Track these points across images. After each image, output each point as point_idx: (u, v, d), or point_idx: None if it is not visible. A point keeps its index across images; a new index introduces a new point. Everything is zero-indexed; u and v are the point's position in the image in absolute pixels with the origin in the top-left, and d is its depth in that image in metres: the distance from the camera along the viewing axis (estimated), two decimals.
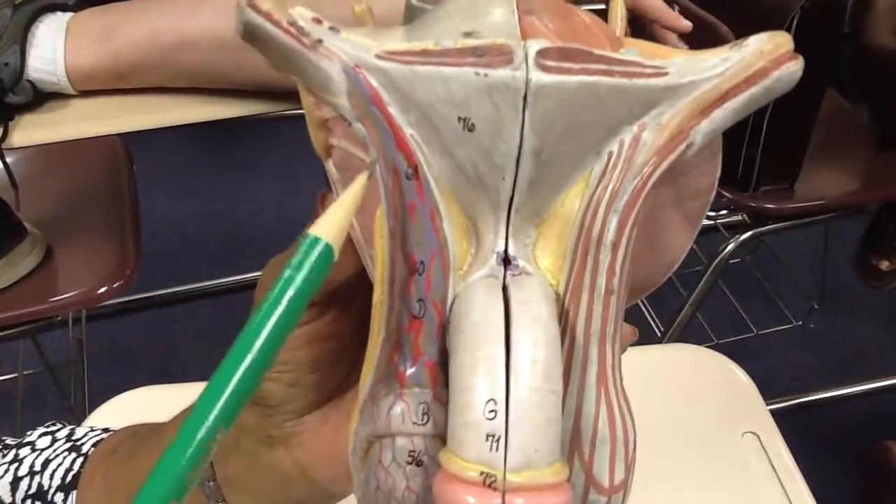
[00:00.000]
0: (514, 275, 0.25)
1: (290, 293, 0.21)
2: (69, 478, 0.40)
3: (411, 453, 0.26)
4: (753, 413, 0.72)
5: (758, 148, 1.18)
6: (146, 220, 1.17)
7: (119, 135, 1.07)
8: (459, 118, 0.23)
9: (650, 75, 0.24)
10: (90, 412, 0.70)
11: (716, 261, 1.32)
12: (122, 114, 0.87)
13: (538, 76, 0.23)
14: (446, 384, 0.25)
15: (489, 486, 0.22)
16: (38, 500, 0.41)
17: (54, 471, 0.41)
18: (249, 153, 2.17)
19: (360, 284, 0.28)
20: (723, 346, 1.62)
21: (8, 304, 1.00)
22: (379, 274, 0.26)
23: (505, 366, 0.23)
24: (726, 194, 1.25)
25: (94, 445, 0.42)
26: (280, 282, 0.21)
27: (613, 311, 0.25)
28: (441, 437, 0.25)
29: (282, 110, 0.90)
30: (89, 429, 0.44)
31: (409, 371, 0.25)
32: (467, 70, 0.23)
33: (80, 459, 0.41)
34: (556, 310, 0.25)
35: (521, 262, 0.26)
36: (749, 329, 1.70)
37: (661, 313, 1.72)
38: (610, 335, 0.25)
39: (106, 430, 0.43)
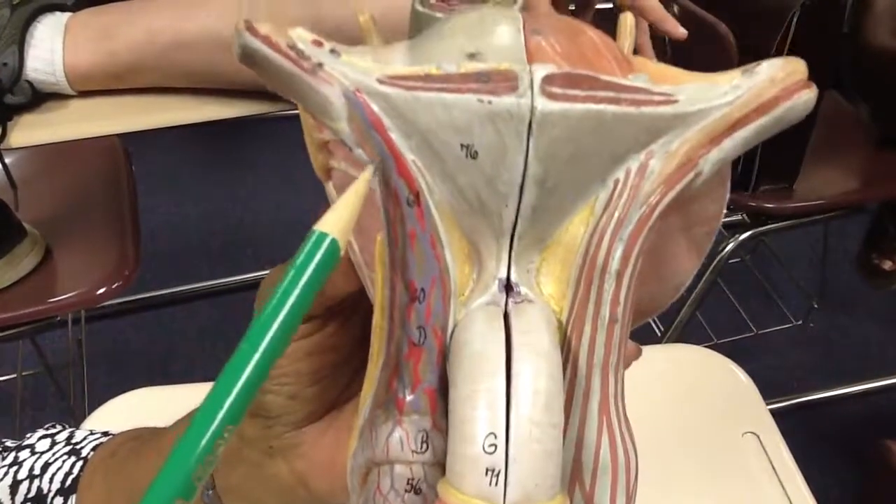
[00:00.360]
0: (515, 302, 0.25)
1: (298, 286, 0.21)
2: (69, 482, 0.40)
3: (409, 481, 0.25)
4: (753, 413, 0.71)
5: (757, 147, 1.18)
6: (145, 220, 1.17)
7: (118, 135, 1.07)
8: (462, 145, 0.23)
9: (658, 103, 0.23)
10: (90, 413, 0.70)
11: (715, 260, 1.32)
12: (120, 114, 0.87)
13: (544, 104, 0.23)
14: (446, 412, 0.24)
15: None
16: (38, 503, 0.41)
17: (54, 474, 0.41)
18: (249, 153, 2.16)
19: (360, 299, 0.28)
20: (722, 346, 1.62)
21: (7, 304, 1.00)
22: (379, 301, 0.25)
23: (505, 398, 0.23)
24: None
25: (93, 449, 0.42)
26: (288, 275, 0.21)
27: (617, 341, 0.25)
28: (440, 465, 0.25)
29: (281, 110, 0.90)
30: (89, 432, 0.44)
31: (409, 398, 0.25)
32: (470, 97, 0.23)
33: (80, 463, 0.41)
34: (557, 339, 0.24)
35: (523, 289, 0.25)
36: (749, 329, 1.70)
37: (660, 313, 1.72)
38: (613, 364, 0.25)
39: (105, 434, 0.43)
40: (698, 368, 0.76)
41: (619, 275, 0.24)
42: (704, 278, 1.35)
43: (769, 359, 1.72)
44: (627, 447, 0.26)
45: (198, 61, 0.84)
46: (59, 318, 1.09)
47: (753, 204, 1.24)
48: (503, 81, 0.23)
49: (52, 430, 0.44)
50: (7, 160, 0.88)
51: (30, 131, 0.84)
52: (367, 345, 0.26)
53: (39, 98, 0.85)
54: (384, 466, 0.26)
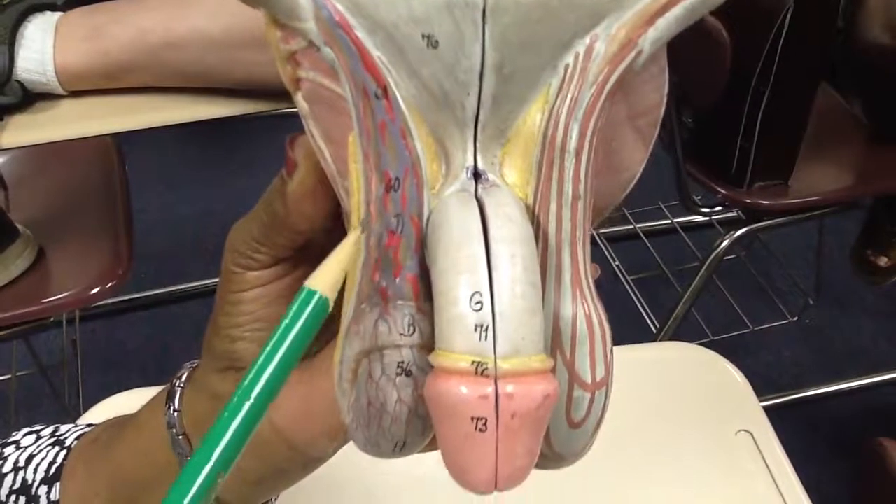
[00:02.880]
0: (484, 187, 0.27)
1: (288, 339, 0.23)
2: (52, 470, 0.40)
3: (400, 364, 0.26)
4: (747, 411, 0.71)
5: (752, 144, 1.18)
6: (139, 219, 1.17)
7: (111, 135, 1.07)
8: (423, 35, 0.25)
9: None
10: (84, 413, 0.70)
11: (711, 257, 1.32)
12: (112, 114, 0.87)
13: None
14: (428, 297, 0.26)
15: (481, 373, 0.23)
16: (23, 494, 0.40)
17: (38, 465, 0.41)
18: (242, 152, 2.16)
19: (334, 239, 0.28)
20: (718, 343, 1.62)
21: (0, 305, 1.00)
22: (355, 199, 0.26)
23: (486, 263, 0.24)
24: (721, 190, 1.25)
25: (76, 439, 0.42)
26: (280, 328, 0.23)
27: (581, 216, 0.27)
28: (428, 348, 0.26)
29: (274, 109, 0.89)
30: (73, 425, 0.44)
31: (392, 286, 0.26)
32: None
33: (64, 452, 0.41)
34: (527, 215, 0.26)
35: (490, 176, 0.27)
36: (745, 325, 1.71)
37: (656, 310, 1.72)
38: (580, 240, 0.27)
39: (90, 426, 0.43)
40: (691, 366, 0.76)
41: (578, 152, 0.26)
42: (700, 275, 1.35)
43: (765, 355, 1.73)
44: (602, 319, 0.28)
45: (189, 60, 0.84)
46: (53, 319, 1.08)
47: (748, 200, 1.24)
48: None
49: (38, 427, 0.44)
50: None
51: (21, 132, 0.84)
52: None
53: (30, 98, 0.84)
54: (374, 354, 0.27)
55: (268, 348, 0.23)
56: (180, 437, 0.34)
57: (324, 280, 0.24)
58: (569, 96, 0.26)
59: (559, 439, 0.28)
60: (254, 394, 0.23)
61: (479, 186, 0.27)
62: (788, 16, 1.06)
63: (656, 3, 0.25)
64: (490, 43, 0.25)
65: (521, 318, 0.24)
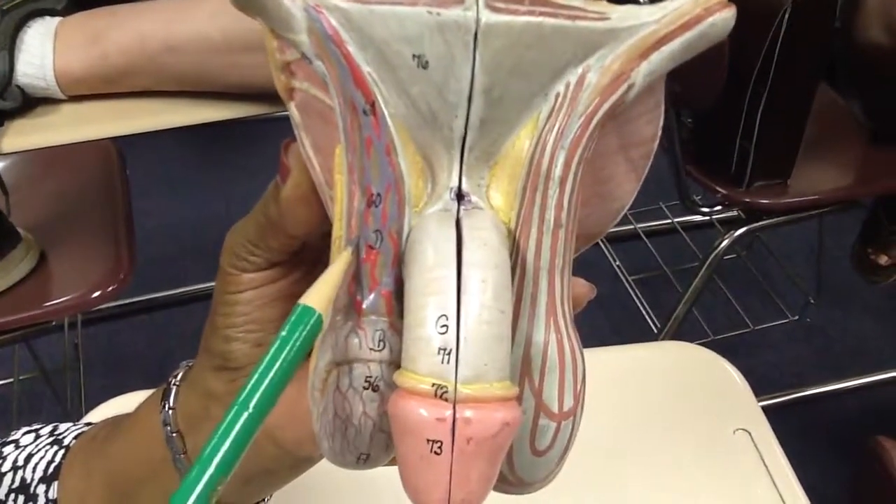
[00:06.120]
0: (466, 209, 0.27)
1: (283, 355, 0.24)
2: (51, 469, 0.41)
3: (367, 379, 0.27)
4: (745, 410, 0.72)
5: (751, 143, 1.18)
6: (140, 223, 1.17)
7: (111, 139, 1.07)
8: (414, 55, 0.25)
9: (592, 19, 0.25)
10: (86, 416, 0.70)
11: (711, 257, 1.32)
12: (112, 118, 0.87)
13: (487, 15, 0.25)
14: (401, 314, 0.26)
15: (440, 396, 0.24)
16: (21, 493, 0.41)
17: (37, 464, 0.41)
18: (242, 155, 2.16)
19: (326, 245, 0.29)
20: (719, 342, 1.63)
21: (2, 309, 1.00)
22: (338, 209, 0.27)
23: (456, 286, 0.24)
24: (720, 190, 1.25)
25: (75, 438, 0.42)
26: (274, 345, 0.24)
27: (562, 245, 0.27)
28: (397, 364, 0.26)
29: (273, 112, 0.90)
30: (72, 424, 0.44)
31: (366, 300, 0.27)
32: (421, 9, 0.24)
33: (62, 451, 0.41)
34: (507, 240, 0.26)
35: (474, 198, 0.27)
36: (745, 324, 1.71)
37: (657, 310, 1.72)
38: (559, 268, 0.27)
39: (88, 424, 0.43)
40: (690, 365, 0.76)
41: (562, 181, 0.26)
42: (700, 275, 1.35)
43: (765, 354, 1.73)
44: (574, 349, 0.28)
45: (189, 64, 0.84)
46: (54, 323, 1.09)
47: (748, 200, 1.24)
48: None
49: (37, 426, 0.45)
50: None
51: (21, 136, 0.84)
52: None
53: (30, 103, 0.85)
54: (343, 366, 0.27)
55: (264, 363, 0.23)
56: (174, 434, 0.34)
57: (317, 298, 0.24)
58: (557, 125, 0.26)
59: (522, 465, 0.28)
60: (251, 405, 0.23)
61: (462, 208, 0.27)
62: (787, 16, 1.06)
63: (653, 37, 0.26)
64: (480, 66, 0.25)
65: (486, 343, 0.24)
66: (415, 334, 0.24)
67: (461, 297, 0.24)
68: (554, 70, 0.26)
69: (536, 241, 0.26)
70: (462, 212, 0.27)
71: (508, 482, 0.28)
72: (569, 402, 0.27)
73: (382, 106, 0.25)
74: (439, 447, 0.24)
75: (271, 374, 0.23)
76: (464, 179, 0.27)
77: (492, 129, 0.26)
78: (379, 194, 0.26)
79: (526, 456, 0.28)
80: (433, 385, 0.24)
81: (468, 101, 0.26)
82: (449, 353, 0.24)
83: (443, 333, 0.24)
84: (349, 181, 0.26)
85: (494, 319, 0.24)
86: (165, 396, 0.35)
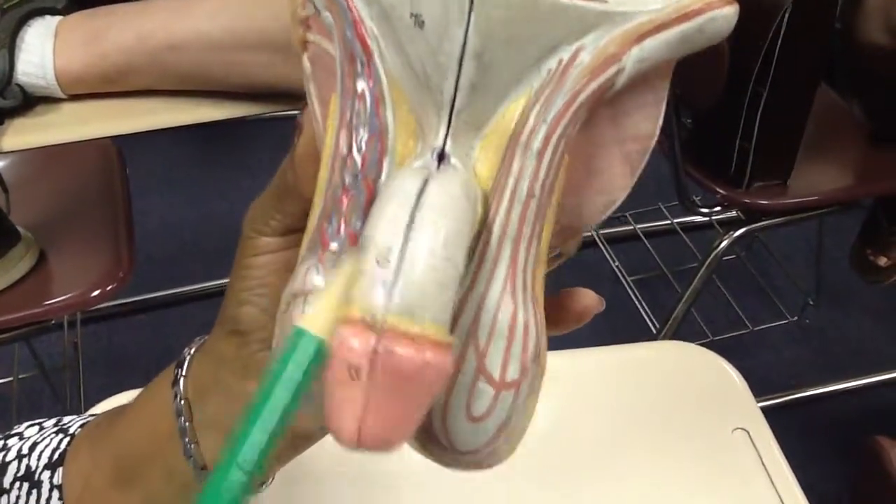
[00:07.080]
0: (444, 168, 0.27)
1: (284, 381, 0.25)
2: (56, 456, 0.41)
3: None
4: (743, 410, 0.72)
5: (751, 144, 1.18)
6: (140, 222, 1.17)
7: (111, 137, 1.07)
8: (411, 14, 0.26)
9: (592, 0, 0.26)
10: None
11: (710, 257, 1.32)
12: (112, 117, 0.87)
13: None
14: None
15: (368, 326, 0.23)
16: (26, 480, 0.41)
17: (42, 451, 0.41)
18: (243, 154, 2.16)
19: None
20: (718, 343, 1.63)
21: (2, 308, 1.00)
22: (326, 153, 0.28)
23: (409, 226, 0.24)
24: (720, 191, 1.25)
25: (81, 427, 0.43)
26: (274, 367, 0.25)
27: (531, 216, 0.27)
28: None
29: (274, 111, 0.90)
30: (77, 415, 0.45)
31: (333, 238, 0.27)
32: None
33: (67, 439, 0.42)
34: (477, 203, 0.26)
35: (454, 161, 0.27)
36: (744, 325, 1.71)
37: (656, 310, 1.72)
38: (525, 237, 0.27)
39: (93, 416, 0.44)
40: (689, 366, 0.76)
41: (540, 153, 0.26)
42: (699, 275, 1.35)
43: (765, 355, 1.73)
44: (529, 323, 0.27)
45: (189, 63, 0.84)
46: (54, 321, 1.09)
47: (748, 200, 1.24)
48: None
49: (40, 420, 0.45)
50: None
51: (21, 135, 0.84)
52: None
53: (31, 101, 0.85)
54: (299, 297, 0.28)
55: (268, 380, 0.25)
56: (182, 401, 0.35)
57: (318, 322, 0.25)
58: (543, 98, 0.26)
59: (455, 428, 0.28)
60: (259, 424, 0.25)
61: (441, 167, 0.27)
62: (787, 16, 1.06)
63: (650, 23, 0.25)
64: (474, 29, 0.25)
65: (426, 284, 0.24)
66: (359, 266, 0.24)
67: (409, 233, 0.24)
68: (548, 46, 0.26)
69: (507, 210, 0.27)
70: (440, 170, 0.27)
71: (440, 444, 0.28)
72: (513, 373, 0.27)
73: (378, 59, 0.26)
74: (356, 374, 0.23)
75: (276, 396, 0.25)
76: (449, 142, 0.27)
77: (482, 95, 0.27)
78: (363, 140, 0.27)
79: (461, 419, 0.27)
80: (364, 314, 0.24)
81: (459, 63, 0.26)
82: (386, 286, 0.24)
83: (384, 267, 0.24)
84: (339, 126, 0.27)
85: (440, 266, 0.24)
86: (179, 364, 0.37)
